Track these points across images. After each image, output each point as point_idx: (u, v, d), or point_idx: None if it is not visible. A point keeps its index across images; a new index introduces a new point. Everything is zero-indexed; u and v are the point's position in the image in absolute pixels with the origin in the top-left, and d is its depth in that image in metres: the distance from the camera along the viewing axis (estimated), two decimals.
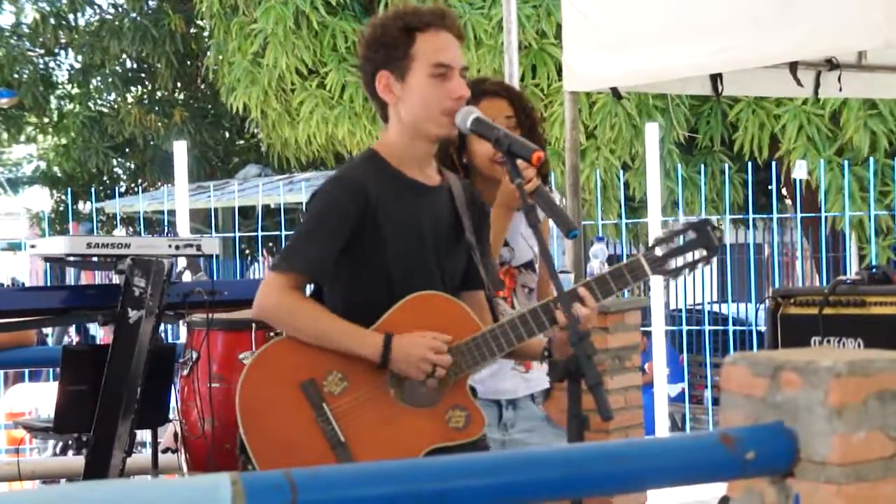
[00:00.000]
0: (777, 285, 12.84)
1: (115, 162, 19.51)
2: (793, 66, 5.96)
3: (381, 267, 3.24)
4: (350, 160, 3.56)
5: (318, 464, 3.08)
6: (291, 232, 12.34)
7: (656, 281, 7.56)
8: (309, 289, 3.40)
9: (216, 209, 13.48)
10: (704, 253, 3.19)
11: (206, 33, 17.01)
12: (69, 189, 15.53)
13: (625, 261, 3.22)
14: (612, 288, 3.19)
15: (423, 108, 3.24)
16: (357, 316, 3.21)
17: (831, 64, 6.32)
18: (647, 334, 9.08)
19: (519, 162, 3.31)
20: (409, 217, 3.27)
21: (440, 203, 3.33)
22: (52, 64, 19.94)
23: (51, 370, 10.01)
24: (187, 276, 4.97)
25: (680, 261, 3.18)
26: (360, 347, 3.17)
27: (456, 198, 3.36)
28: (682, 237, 3.19)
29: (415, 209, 3.28)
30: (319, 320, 3.21)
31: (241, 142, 19.46)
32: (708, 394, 11.62)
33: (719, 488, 2.49)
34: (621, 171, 11.47)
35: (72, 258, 4.48)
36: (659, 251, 3.18)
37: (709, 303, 12.73)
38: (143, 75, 19.14)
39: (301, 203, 11.73)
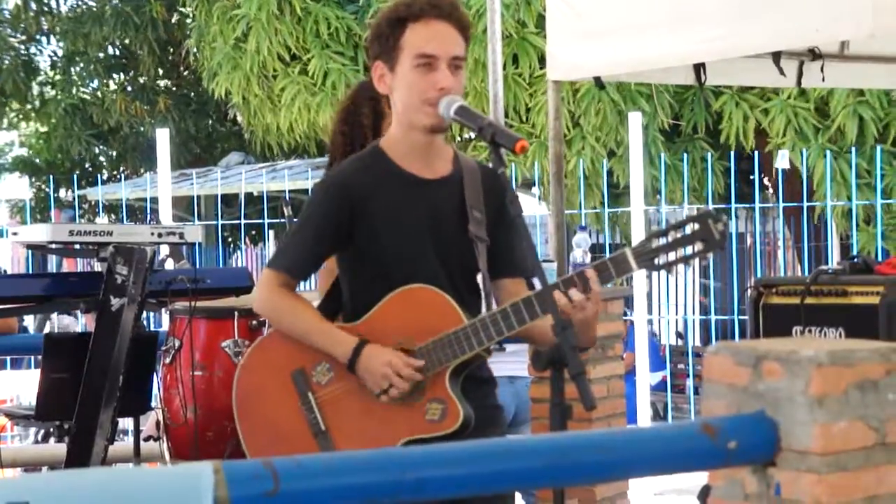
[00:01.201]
0: (759, 275, 12.88)
1: (97, 149, 19.45)
2: (776, 56, 5.97)
3: (377, 261, 3.28)
4: (354, 155, 3.55)
5: (302, 450, 3.19)
6: (274, 220, 12.35)
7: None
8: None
9: (199, 197, 13.46)
10: (701, 246, 3.05)
11: (188, 20, 16.96)
12: (51, 176, 15.48)
13: (610, 254, 3.17)
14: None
15: (408, 97, 3.25)
16: (360, 309, 3.29)
17: (814, 54, 6.33)
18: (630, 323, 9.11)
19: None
20: (404, 211, 3.28)
21: (443, 195, 3.32)
22: (33, 50, 19.85)
23: (31, 358, 9.98)
24: (170, 264, 4.96)
25: (673, 255, 3.10)
26: (333, 349, 3.25)
27: (467, 188, 3.34)
28: (681, 230, 3.07)
29: (409, 203, 3.28)
30: (300, 319, 3.31)
31: (223, 129, 19.41)
32: (690, 383, 11.66)
33: (701, 477, 2.50)
34: (605, 159, 11.48)
35: (54, 245, 4.46)
36: (653, 244, 3.08)
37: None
38: (125, 62, 19.06)
39: (284, 191, 11.73)
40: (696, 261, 3.10)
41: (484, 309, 3.29)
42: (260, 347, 3.42)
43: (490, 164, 3.29)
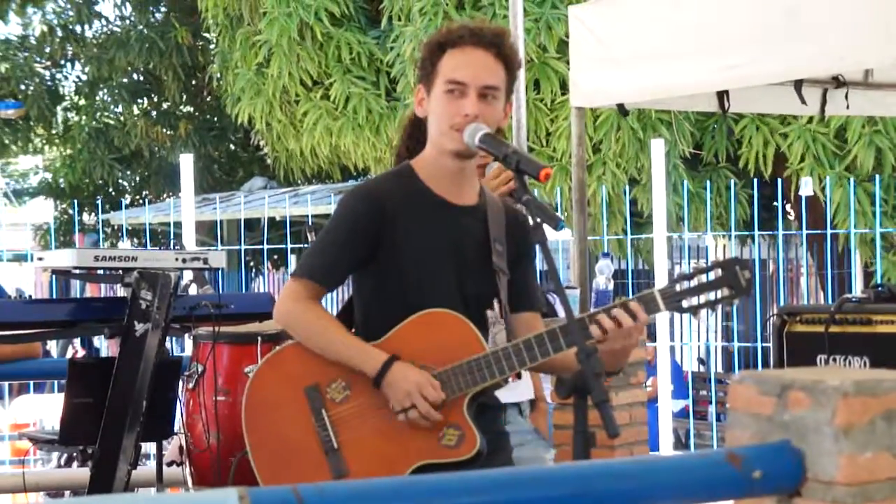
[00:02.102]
0: (782, 302, 12.85)
1: (119, 174, 19.53)
2: (797, 84, 5.97)
3: (397, 280, 3.28)
4: (384, 171, 3.58)
5: (311, 466, 3.19)
6: (296, 245, 12.36)
7: None
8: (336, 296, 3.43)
9: (221, 221, 13.49)
10: (727, 292, 3.11)
11: (211, 46, 17.04)
12: (75, 201, 15.55)
13: (639, 293, 3.18)
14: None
15: (437, 122, 3.30)
16: (375, 327, 3.27)
17: (838, 82, 6.33)
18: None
19: (496, 165, 3.38)
20: (430, 233, 3.29)
21: (467, 223, 3.34)
22: (58, 76, 19.97)
23: (55, 382, 10.01)
24: (193, 290, 4.98)
25: (698, 299, 3.12)
26: (362, 363, 3.21)
27: (491, 221, 3.36)
28: (707, 275, 3.11)
29: (435, 226, 3.30)
30: (326, 331, 3.27)
31: (245, 154, 19.47)
32: (712, 409, 11.61)
33: None
34: (627, 187, 11.47)
35: (79, 271, 4.48)
36: (678, 287, 3.12)
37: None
38: (149, 87, 19.16)
39: (307, 216, 11.75)
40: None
41: (505, 339, 3.30)
42: (273, 360, 3.36)
43: (515, 194, 3.31)
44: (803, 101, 6.01)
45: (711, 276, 3.10)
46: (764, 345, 10.00)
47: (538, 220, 3.06)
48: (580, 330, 3.05)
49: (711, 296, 3.11)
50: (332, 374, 3.25)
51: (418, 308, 3.24)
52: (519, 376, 3.75)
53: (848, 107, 6.42)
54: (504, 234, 3.36)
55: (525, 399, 4.03)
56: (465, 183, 3.37)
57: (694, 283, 3.10)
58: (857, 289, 11.06)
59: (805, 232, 11.37)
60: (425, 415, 3.17)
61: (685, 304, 3.12)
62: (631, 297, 3.16)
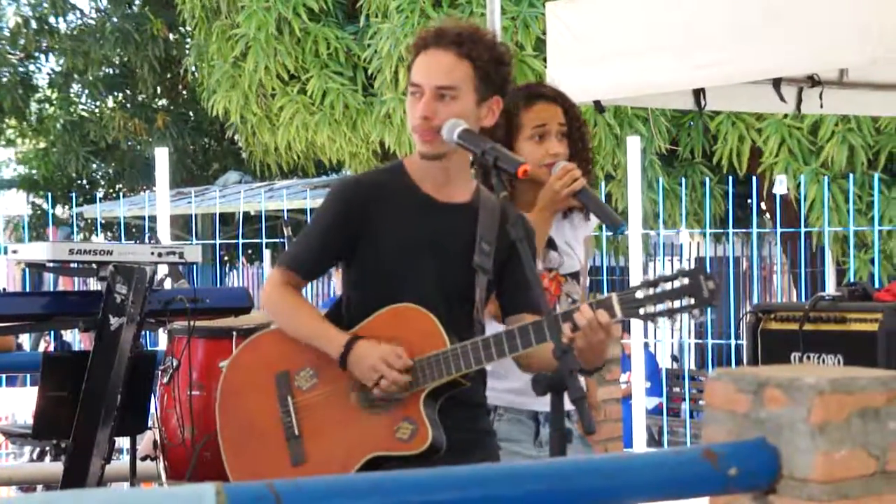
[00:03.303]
0: (755, 299, 12.90)
1: (94, 166, 19.45)
2: (776, 82, 5.99)
3: (375, 274, 3.31)
4: (377, 166, 3.61)
5: (272, 452, 3.29)
6: (272, 240, 12.31)
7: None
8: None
9: (195, 215, 13.46)
10: (690, 301, 3.03)
11: (188, 39, 16.98)
12: (48, 193, 15.49)
13: (597, 298, 3.15)
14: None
15: (409, 121, 3.33)
16: (354, 320, 3.30)
17: (813, 80, 6.34)
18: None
19: (564, 164, 3.54)
20: (411, 229, 3.30)
21: (453, 221, 3.33)
22: (32, 68, 19.87)
23: (27, 375, 9.96)
24: (168, 284, 4.96)
25: (659, 307, 3.05)
26: (327, 344, 3.26)
27: (481, 221, 3.35)
28: (672, 283, 3.05)
29: (418, 222, 3.31)
30: (297, 314, 3.35)
31: (221, 149, 19.42)
32: (685, 406, 11.65)
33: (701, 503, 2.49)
34: (603, 183, 11.49)
35: (53, 264, 4.46)
36: (640, 294, 3.07)
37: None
38: (124, 80, 19.08)
39: (282, 211, 11.73)
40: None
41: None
42: (251, 346, 3.44)
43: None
44: (782, 99, 6.03)
45: (676, 284, 3.04)
46: (738, 342, 10.04)
47: (598, 221, 3.08)
48: (550, 327, 3.05)
49: (672, 305, 3.05)
50: (301, 362, 3.31)
51: (394, 300, 3.26)
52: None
53: (822, 105, 6.44)
54: (496, 234, 3.34)
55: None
56: (453, 182, 3.36)
57: (656, 290, 3.05)
58: (830, 287, 11.11)
59: (780, 230, 11.42)
60: (393, 381, 3.18)
61: (642, 311, 3.06)
62: (589, 301, 3.14)
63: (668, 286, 3.05)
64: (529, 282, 3.16)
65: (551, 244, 3.82)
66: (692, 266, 3.10)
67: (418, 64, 3.29)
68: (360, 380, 3.22)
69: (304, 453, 3.28)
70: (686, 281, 3.04)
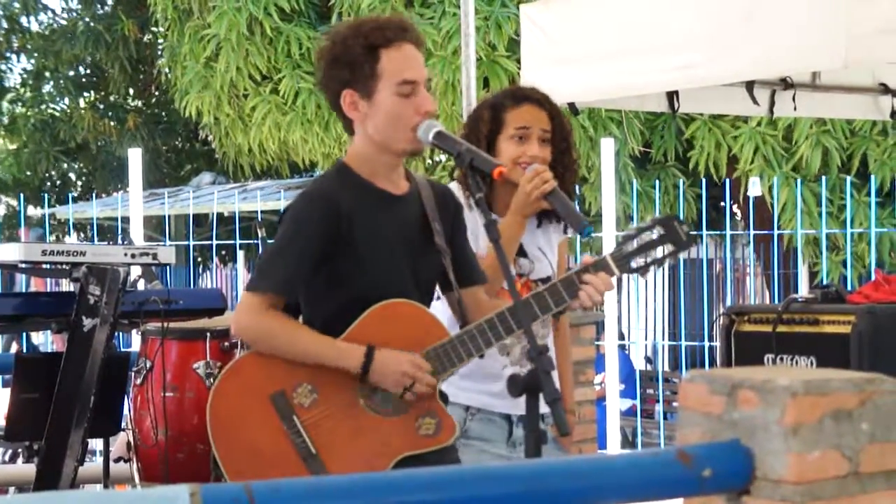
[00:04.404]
0: (729, 301, 12.93)
1: (66, 166, 19.35)
2: (749, 85, 6.01)
3: (356, 278, 3.27)
4: (321, 174, 3.57)
5: (291, 474, 3.14)
6: (245, 241, 12.28)
7: (609, 296, 7.58)
8: None
9: (169, 216, 13.42)
10: (672, 248, 3.28)
11: (159, 40, 16.92)
12: (20, 194, 15.41)
13: (594, 261, 3.27)
14: (578, 289, 3.28)
15: (391, 125, 3.26)
16: (335, 327, 3.25)
17: (786, 83, 6.38)
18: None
19: (536, 166, 3.58)
20: (381, 227, 3.29)
21: (409, 210, 3.35)
22: (3, 67, 19.76)
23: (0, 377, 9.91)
24: (141, 285, 4.94)
25: (647, 258, 3.25)
26: (341, 360, 3.20)
27: (425, 203, 3.38)
28: (648, 233, 3.27)
29: (385, 219, 3.30)
30: (297, 337, 3.25)
31: (193, 148, 19.35)
32: (659, 408, 11.68)
33: None
34: (577, 185, 11.51)
35: (25, 265, 4.44)
36: (627, 248, 3.27)
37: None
38: (95, 80, 19.00)
39: (255, 212, 11.71)
40: (667, 264, 3.33)
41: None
42: (233, 371, 3.31)
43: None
44: (755, 102, 6.06)
45: (654, 234, 3.27)
46: (711, 344, 10.07)
47: (563, 221, 3.23)
48: (567, 288, 3.22)
49: (656, 253, 3.29)
50: (295, 379, 3.23)
51: (377, 300, 3.24)
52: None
53: (796, 108, 6.48)
54: (438, 213, 3.39)
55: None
56: (398, 172, 3.38)
57: (638, 243, 3.27)
58: (803, 289, 11.16)
59: (753, 232, 11.46)
60: (427, 384, 3.19)
61: (634, 264, 3.29)
62: (584, 266, 3.30)
63: (648, 237, 3.27)
64: (472, 256, 3.42)
65: (521, 251, 3.84)
66: (661, 216, 3.35)
67: (403, 61, 3.24)
68: (387, 388, 3.20)
69: (326, 470, 3.18)
70: (663, 230, 3.28)
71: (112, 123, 17.91)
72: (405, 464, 3.19)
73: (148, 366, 4.31)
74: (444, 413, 3.24)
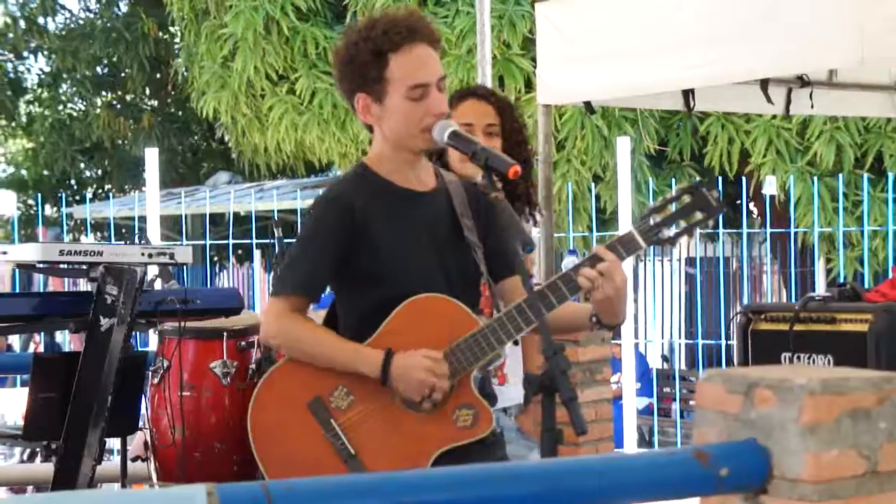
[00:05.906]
0: (745, 299, 12.90)
1: (82, 166, 19.41)
2: (764, 83, 6.00)
3: (381, 276, 3.26)
4: (342, 174, 3.57)
5: None
6: (262, 240, 12.33)
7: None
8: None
9: (185, 216, 13.45)
10: (702, 215, 3.15)
11: (177, 39, 16.96)
12: (38, 193, 15.46)
13: (618, 237, 3.22)
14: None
15: (404, 127, 3.27)
16: (368, 327, 3.25)
17: (802, 81, 6.37)
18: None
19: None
20: (403, 224, 3.29)
21: (436, 207, 3.35)
22: (21, 68, 19.84)
23: (17, 376, 9.94)
24: (158, 284, 4.95)
25: (675, 228, 3.15)
26: (359, 366, 3.21)
27: (454, 199, 3.37)
28: (675, 204, 3.15)
29: (408, 216, 3.30)
30: (320, 342, 3.26)
31: (209, 147, 19.38)
32: (676, 406, 11.66)
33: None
34: (592, 184, 11.50)
35: (43, 265, 4.45)
36: (654, 219, 3.16)
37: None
38: (112, 80, 19.05)
39: (272, 211, 11.72)
40: (697, 234, 3.21)
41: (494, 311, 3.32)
42: (268, 382, 3.33)
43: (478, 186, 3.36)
44: (770, 101, 6.05)
45: (684, 201, 3.14)
46: (728, 342, 10.05)
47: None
48: (566, 285, 3.13)
49: (686, 223, 3.16)
50: (331, 383, 3.24)
51: (404, 298, 3.23)
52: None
53: (812, 106, 6.47)
54: (468, 208, 3.38)
55: (513, 404, 4.03)
56: (422, 169, 3.38)
57: (664, 214, 3.14)
58: (820, 287, 11.14)
59: (769, 230, 11.44)
60: (445, 393, 3.18)
61: (662, 235, 3.16)
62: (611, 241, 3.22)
63: (676, 206, 3.14)
64: (507, 249, 3.35)
65: None
66: (687, 184, 3.18)
67: (411, 64, 3.23)
68: (406, 395, 3.19)
69: (366, 470, 3.18)
70: (691, 198, 3.14)
71: (128, 123, 17.96)
72: (448, 461, 3.18)
73: (165, 365, 4.32)
74: (481, 403, 3.22)
